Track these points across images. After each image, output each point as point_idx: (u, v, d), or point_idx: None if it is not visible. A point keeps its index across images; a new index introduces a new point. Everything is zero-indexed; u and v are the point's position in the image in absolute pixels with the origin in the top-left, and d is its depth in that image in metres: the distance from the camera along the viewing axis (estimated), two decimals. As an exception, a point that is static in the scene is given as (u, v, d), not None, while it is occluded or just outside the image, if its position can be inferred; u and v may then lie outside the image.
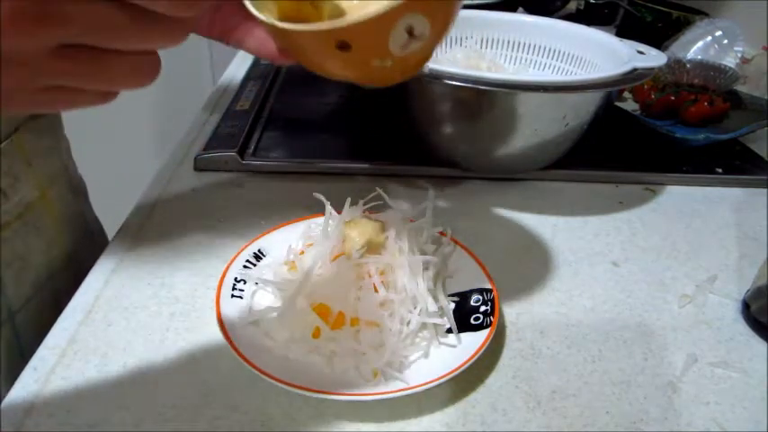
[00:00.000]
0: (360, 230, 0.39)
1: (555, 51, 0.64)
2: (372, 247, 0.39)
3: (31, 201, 0.45)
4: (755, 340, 0.43)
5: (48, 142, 0.48)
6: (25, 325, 0.44)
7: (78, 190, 0.55)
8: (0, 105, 0.22)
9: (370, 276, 0.38)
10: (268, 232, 0.45)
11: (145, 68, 0.24)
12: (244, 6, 0.32)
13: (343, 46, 0.28)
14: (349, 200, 0.41)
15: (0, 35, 0.19)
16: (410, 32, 0.29)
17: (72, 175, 0.53)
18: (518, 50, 0.66)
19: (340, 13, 0.33)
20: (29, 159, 0.44)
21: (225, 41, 0.37)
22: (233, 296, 0.39)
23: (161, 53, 0.24)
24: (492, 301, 0.40)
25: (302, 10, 0.33)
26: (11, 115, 0.24)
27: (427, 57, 0.32)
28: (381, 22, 0.28)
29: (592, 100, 0.53)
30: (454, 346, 0.37)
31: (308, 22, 0.30)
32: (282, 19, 0.30)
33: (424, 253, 0.41)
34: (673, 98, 0.70)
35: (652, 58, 0.56)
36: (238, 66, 0.86)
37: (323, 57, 0.30)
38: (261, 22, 0.29)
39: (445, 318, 0.39)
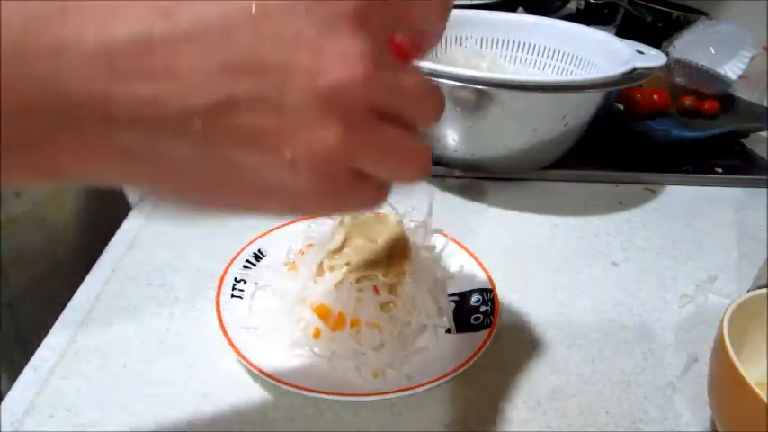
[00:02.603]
0: (359, 251, 0.38)
1: (555, 51, 0.64)
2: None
3: (42, 199, 0.45)
4: (755, 340, 0.42)
5: None
6: (26, 316, 0.45)
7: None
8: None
9: (370, 276, 0.38)
10: (268, 232, 0.45)
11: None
12: None
13: None
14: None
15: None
16: None
17: None
18: (518, 50, 0.66)
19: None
20: None
21: None
22: (233, 296, 0.39)
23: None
24: (492, 301, 0.40)
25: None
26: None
27: None
28: None
29: (592, 100, 0.53)
30: (454, 347, 0.37)
31: None
32: None
33: (425, 252, 0.41)
34: (669, 98, 0.70)
35: (652, 57, 0.56)
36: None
37: None
38: None
39: (445, 318, 0.39)
